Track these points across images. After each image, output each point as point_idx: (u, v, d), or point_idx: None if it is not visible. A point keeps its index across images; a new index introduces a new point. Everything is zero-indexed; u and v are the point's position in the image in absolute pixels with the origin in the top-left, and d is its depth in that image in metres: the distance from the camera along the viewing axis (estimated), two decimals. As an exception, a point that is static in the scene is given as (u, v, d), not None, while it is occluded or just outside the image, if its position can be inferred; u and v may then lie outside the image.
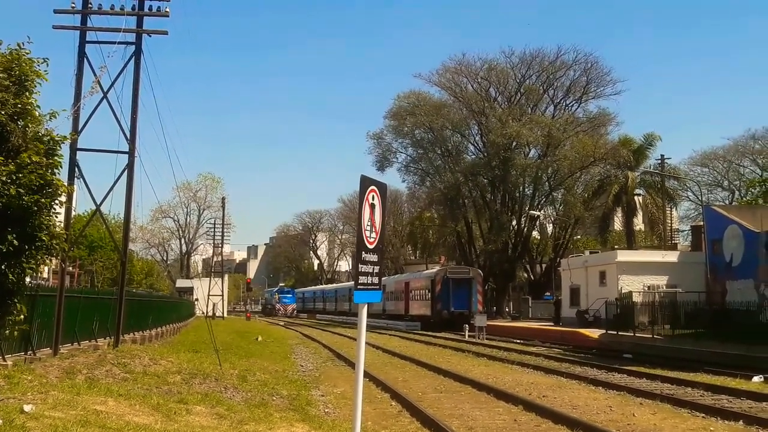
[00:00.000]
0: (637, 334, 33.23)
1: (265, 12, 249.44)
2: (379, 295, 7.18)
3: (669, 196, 59.72)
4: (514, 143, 60.35)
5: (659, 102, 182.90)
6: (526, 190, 63.97)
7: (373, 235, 7.05)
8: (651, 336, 32.41)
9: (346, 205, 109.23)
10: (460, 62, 64.52)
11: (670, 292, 37.46)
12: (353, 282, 7.07)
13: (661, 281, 40.45)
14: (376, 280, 7.08)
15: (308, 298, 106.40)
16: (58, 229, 12.53)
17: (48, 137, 11.80)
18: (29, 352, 16.15)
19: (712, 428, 12.85)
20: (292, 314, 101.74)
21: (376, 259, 7.11)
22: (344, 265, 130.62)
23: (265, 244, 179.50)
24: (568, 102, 64.76)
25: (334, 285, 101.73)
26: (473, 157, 66.61)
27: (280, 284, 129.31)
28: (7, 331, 12.34)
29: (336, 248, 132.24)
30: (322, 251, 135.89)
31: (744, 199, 64.30)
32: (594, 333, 36.33)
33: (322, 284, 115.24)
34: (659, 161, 56.92)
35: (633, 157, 57.52)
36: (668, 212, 61.77)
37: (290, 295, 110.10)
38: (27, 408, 9.34)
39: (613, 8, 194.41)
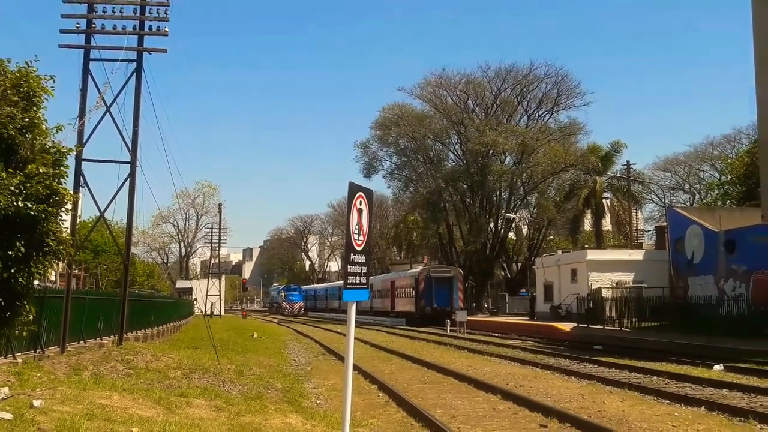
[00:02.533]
0: (606, 327, 33.37)
1: (259, 30, 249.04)
2: (367, 293, 7.19)
3: (634, 199, 60.14)
4: (491, 151, 60.58)
5: (626, 111, 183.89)
6: (503, 194, 64.22)
7: (361, 237, 7.06)
8: (619, 328, 32.57)
9: (335, 209, 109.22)
10: (440, 76, 64.84)
11: (637, 288, 37.65)
12: (343, 281, 7.07)
13: (627, 278, 40.64)
14: (363, 279, 7.09)
15: None
16: (64, 235, 12.47)
17: (55, 149, 11.75)
18: (38, 351, 16.05)
19: (676, 414, 12.89)
20: (299, 313, 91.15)
21: (363, 260, 7.12)
22: (334, 265, 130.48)
23: (259, 247, 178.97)
24: (540, 113, 65.14)
25: (325, 284, 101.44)
26: (453, 164, 66.80)
27: (274, 284, 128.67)
28: (17, 331, 12.25)
29: (326, 250, 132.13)
30: (313, 253, 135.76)
31: (704, 201, 64.86)
32: (566, 326, 36.42)
33: (313, 284, 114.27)
34: (625, 167, 57.38)
35: (601, 163, 57.91)
36: (634, 214, 62.10)
37: (297, 293, 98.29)
38: (36, 403, 9.29)
39: (586, 23, 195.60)
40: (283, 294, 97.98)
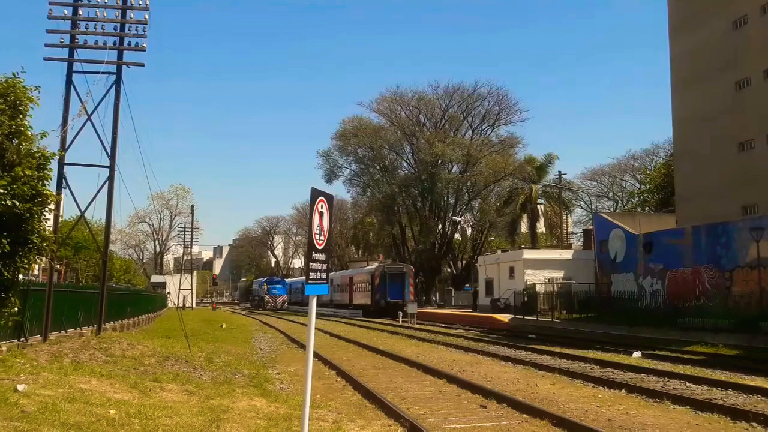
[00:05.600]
0: (539, 318, 33.88)
1: (228, 45, 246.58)
2: (327, 288, 7.19)
3: (565, 205, 61.25)
4: (440, 161, 61.06)
5: (559, 124, 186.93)
6: (450, 199, 64.72)
7: (322, 237, 7.08)
8: (551, 320, 33.10)
9: (299, 211, 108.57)
10: (395, 93, 65.36)
11: (566, 284, 38.30)
12: (305, 277, 7.07)
13: (558, 274, 41.31)
14: (324, 275, 7.10)
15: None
16: (47, 233, 12.23)
17: (39, 154, 11.55)
18: (22, 339, 15.64)
19: (600, 395, 13.13)
20: (282, 307, 79.48)
21: (324, 258, 7.13)
22: (297, 262, 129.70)
23: (229, 245, 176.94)
24: (483, 127, 65.92)
25: (289, 279, 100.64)
26: (406, 172, 67.10)
27: (242, 280, 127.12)
28: (3, 321, 11.97)
29: (290, 248, 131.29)
30: (279, 251, 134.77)
31: (625, 207, 66.34)
32: (505, 317, 36.85)
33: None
34: (557, 176, 58.40)
35: (536, 173, 58.78)
36: (564, 218, 63.30)
37: (280, 286, 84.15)
38: (20, 387, 9.09)
39: (526, 47, 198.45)
40: (265, 287, 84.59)
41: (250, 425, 8.74)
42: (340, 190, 69.65)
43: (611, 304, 32.99)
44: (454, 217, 62.93)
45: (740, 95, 32.70)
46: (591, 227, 43.94)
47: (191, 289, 77.53)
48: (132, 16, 21.24)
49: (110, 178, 21.33)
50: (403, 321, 42.41)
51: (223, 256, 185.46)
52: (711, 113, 33.98)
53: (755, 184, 31.06)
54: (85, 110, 20.24)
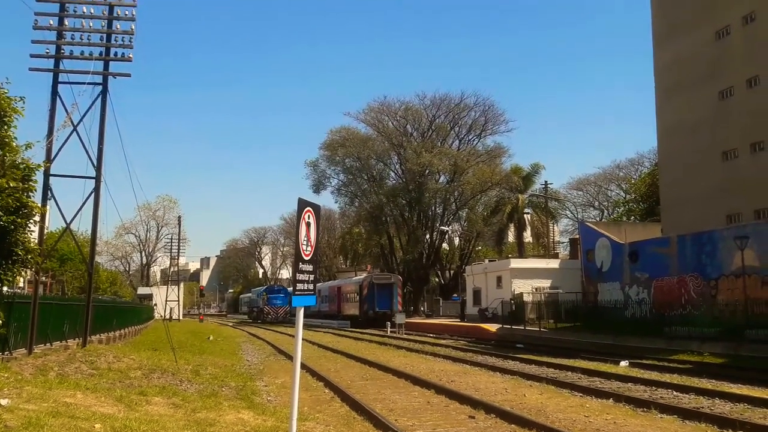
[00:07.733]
0: (527, 328, 33.90)
1: (215, 55, 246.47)
2: (314, 299, 7.16)
3: (551, 215, 61.57)
4: (427, 171, 61.20)
5: (544, 135, 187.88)
6: (437, 209, 64.83)
7: (309, 248, 7.05)
8: (538, 329, 33.12)
9: (286, 222, 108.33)
10: (382, 103, 65.49)
11: (553, 293, 38.39)
12: (292, 288, 7.03)
13: (545, 284, 41.41)
14: (311, 286, 7.07)
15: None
16: (32, 245, 12.11)
17: (24, 165, 11.46)
18: (6, 353, 15.42)
19: (587, 405, 13.14)
20: (285, 319, 70.36)
21: (311, 269, 7.10)
22: (285, 273, 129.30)
23: (216, 256, 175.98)
24: (470, 137, 66.13)
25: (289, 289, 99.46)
26: (394, 182, 67.19)
27: (229, 291, 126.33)
28: (-15, 335, 11.81)
29: (278, 259, 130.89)
30: (266, 261, 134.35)
31: (611, 216, 66.69)
32: (493, 327, 36.84)
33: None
34: (543, 186, 58.76)
35: (522, 183, 59.11)
36: (551, 227, 63.63)
37: (282, 295, 72.99)
38: (3, 402, 8.95)
39: (514, 58, 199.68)
40: (265, 296, 76.11)
41: (237, 438, 8.64)
42: (328, 200, 69.73)
43: (598, 313, 33.08)
44: (442, 227, 63.04)
45: (724, 104, 33.05)
46: (577, 236, 44.07)
47: (178, 300, 76.90)
48: (118, 26, 21.15)
49: (96, 190, 21.15)
50: (391, 331, 42.30)
51: (211, 267, 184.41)
52: (695, 122, 34.32)
53: (739, 193, 31.35)
54: (71, 121, 20.08)
